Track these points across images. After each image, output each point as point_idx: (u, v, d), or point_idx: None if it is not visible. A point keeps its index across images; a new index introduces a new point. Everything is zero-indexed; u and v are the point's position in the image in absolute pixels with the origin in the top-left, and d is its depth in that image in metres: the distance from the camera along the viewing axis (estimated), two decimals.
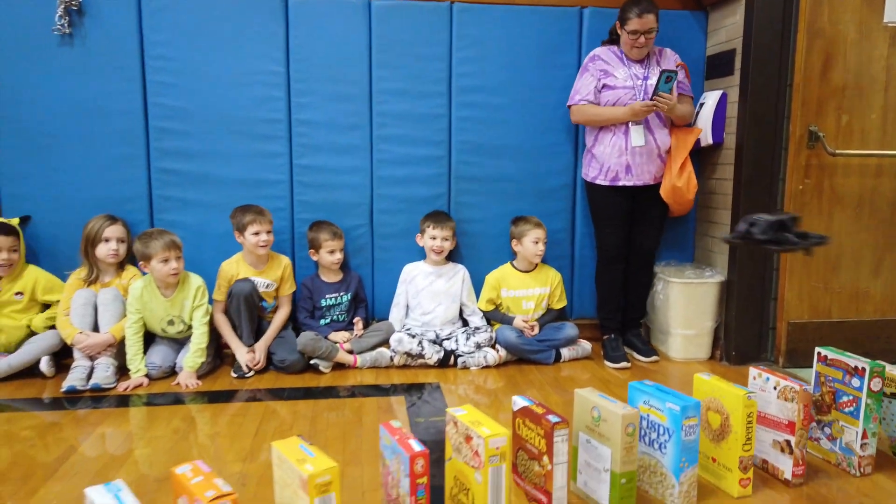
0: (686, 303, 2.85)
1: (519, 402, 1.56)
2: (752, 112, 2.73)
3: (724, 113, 2.86)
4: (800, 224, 1.89)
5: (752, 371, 1.83)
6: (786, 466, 1.75)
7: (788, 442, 1.73)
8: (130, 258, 2.75)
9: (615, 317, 2.91)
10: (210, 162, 2.84)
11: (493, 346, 2.78)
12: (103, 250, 2.67)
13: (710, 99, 2.86)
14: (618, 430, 1.51)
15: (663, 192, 2.75)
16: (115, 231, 2.70)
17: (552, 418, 1.43)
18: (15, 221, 2.66)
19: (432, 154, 2.97)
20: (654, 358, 2.84)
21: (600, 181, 2.79)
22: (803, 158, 2.73)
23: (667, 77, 2.53)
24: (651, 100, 2.57)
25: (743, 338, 2.83)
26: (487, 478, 1.36)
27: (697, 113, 2.91)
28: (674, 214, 2.88)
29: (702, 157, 3.06)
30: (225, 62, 2.80)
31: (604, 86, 2.74)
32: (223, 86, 2.81)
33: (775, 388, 1.76)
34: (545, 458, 1.44)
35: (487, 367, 2.73)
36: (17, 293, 2.64)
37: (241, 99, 2.83)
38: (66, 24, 2.65)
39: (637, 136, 2.70)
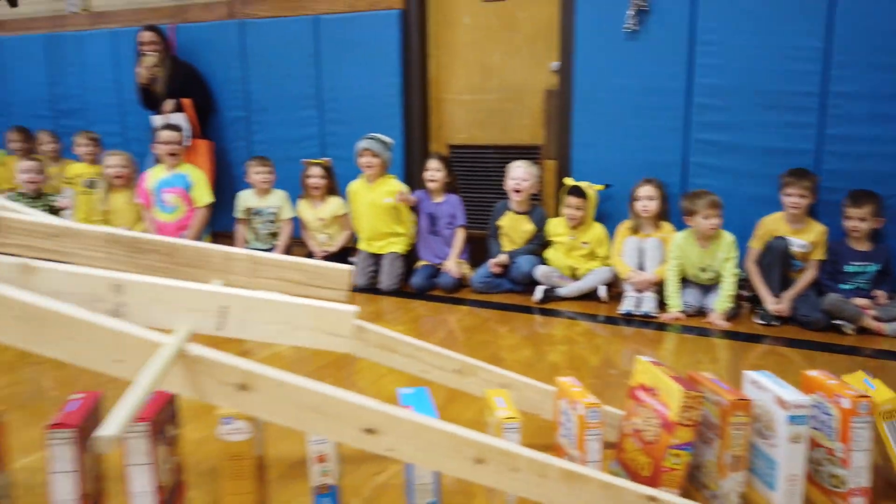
0: None
1: None
2: None
3: None
4: None
5: None
6: None
7: None
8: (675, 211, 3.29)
9: None
10: (741, 133, 3.19)
11: None
12: (637, 206, 3.30)
13: None
14: None
15: None
16: (646, 191, 3.28)
17: None
18: (599, 188, 3.44)
19: None
20: None
21: None
22: None
23: None
24: None
25: None
26: None
27: None
28: None
29: None
30: (765, 41, 3.08)
31: None
32: (761, 63, 3.11)
33: None
34: None
35: None
36: (583, 242, 3.46)
37: (775, 74, 3.09)
38: (634, 23, 3.30)
39: None
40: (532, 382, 1.75)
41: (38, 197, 3.91)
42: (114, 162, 4.03)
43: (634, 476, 1.47)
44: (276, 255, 1.51)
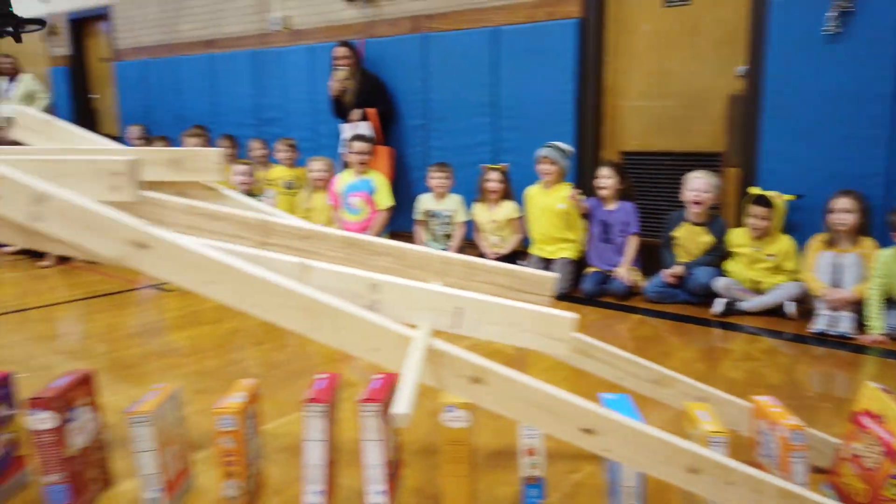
0: None
1: None
2: None
3: None
4: None
5: None
6: None
7: None
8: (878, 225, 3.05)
9: None
10: None
11: None
12: (833, 219, 3.07)
13: None
14: None
15: None
16: (843, 204, 3.05)
17: None
18: (788, 198, 3.28)
19: None
20: None
21: None
22: None
23: None
24: None
25: None
26: None
27: None
28: None
29: None
30: None
31: None
32: None
33: None
34: None
35: None
36: (769, 255, 3.30)
37: None
38: (836, 25, 3.09)
39: None
40: (730, 398, 1.74)
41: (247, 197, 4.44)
42: (317, 166, 4.47)
43: (848, 501, 1.43)
44: (488, 261, 1.64)
